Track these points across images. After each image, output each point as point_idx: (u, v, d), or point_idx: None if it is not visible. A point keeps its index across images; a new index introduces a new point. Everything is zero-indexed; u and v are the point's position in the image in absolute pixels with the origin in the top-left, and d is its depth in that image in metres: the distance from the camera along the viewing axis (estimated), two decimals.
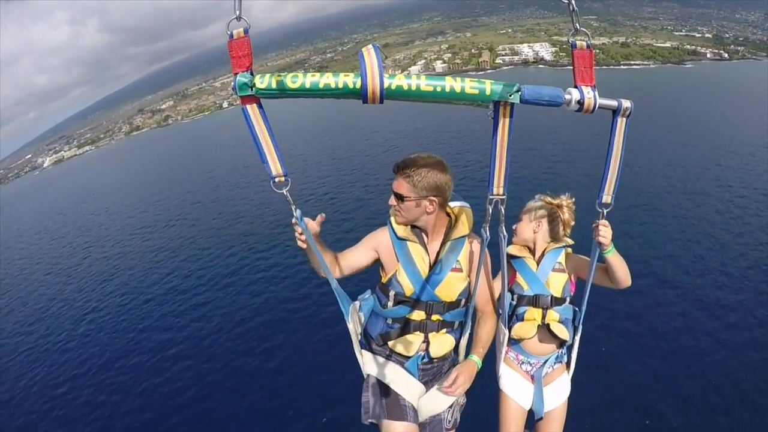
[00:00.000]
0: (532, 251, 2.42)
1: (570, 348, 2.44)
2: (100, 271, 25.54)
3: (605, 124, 1.71)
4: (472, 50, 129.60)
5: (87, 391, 14.69)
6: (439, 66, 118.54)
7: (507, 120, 1.60)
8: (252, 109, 1.50)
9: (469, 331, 2.29)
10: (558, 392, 2.43)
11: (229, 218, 28.69)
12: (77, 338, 18.40)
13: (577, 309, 2.35)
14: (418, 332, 2.19)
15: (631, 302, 13.68)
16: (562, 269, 2.34)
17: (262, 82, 1.44)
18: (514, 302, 2.35)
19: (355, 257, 2.22)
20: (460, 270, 2.14)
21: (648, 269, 15.52)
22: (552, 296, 2.30)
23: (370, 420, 2.19)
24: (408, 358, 2.25)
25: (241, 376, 13.79)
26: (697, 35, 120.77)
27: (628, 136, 1.71)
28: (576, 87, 1.58)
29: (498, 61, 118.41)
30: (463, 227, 2.16)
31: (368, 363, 2.32)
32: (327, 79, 1.43)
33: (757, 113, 39.24)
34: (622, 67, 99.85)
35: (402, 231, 2.16)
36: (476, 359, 2.15)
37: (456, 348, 2.31)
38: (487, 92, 1.50)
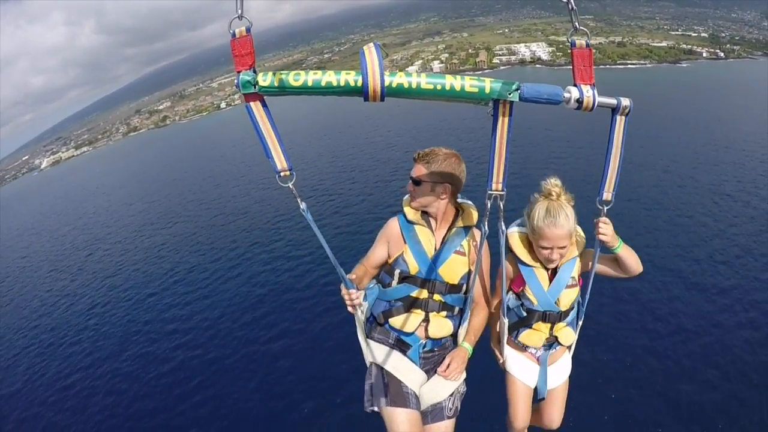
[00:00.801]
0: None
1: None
2: (104, 268, 25.69)
3: (605, 122, 1.74)
4: (469, 50, 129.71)
5: (98, 382, 15.03)
6: (436, 66, 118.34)
7: (506, 118, 1.59)
8: (256, 106, 1.51)
9: (467, 322, 2.36)
10: (560, 371, 2.49)
11: (231, 215, 28.84)
12: (83, 332, 18.61)
13: (580, 300, 2.36)
14: (419, 310, 2.28)
15: (630, 286, 14.21)
16: (574, 284, 2.27)
17: (265, 79, 1.45)
18: (524, 313, 2.33)
19: (375, 257, 2.42)
20: (464, 254, 2.28)
21: (645, 257, 15.91)
22: (561, 312, 2.29)
23: (372, 408, 2.22)
24: (409, 335, 2.32)
25: (247, 362, 14.11)
26: (694, 35, 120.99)
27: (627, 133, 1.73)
28: (575, 85, 1.59)
29: (495, 60, 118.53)
30: (470, 219, 2.37)
31: (371, 351, 2.37)
32: (329, 77, 1.44)
33: (751, 110, 39.70)
34: (618, 66, 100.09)
35: (412, 215, 2.35)
36: (467, 346, 2.35)
37: (455, 336, 2.38)
38: (487, 90, 1.51)
